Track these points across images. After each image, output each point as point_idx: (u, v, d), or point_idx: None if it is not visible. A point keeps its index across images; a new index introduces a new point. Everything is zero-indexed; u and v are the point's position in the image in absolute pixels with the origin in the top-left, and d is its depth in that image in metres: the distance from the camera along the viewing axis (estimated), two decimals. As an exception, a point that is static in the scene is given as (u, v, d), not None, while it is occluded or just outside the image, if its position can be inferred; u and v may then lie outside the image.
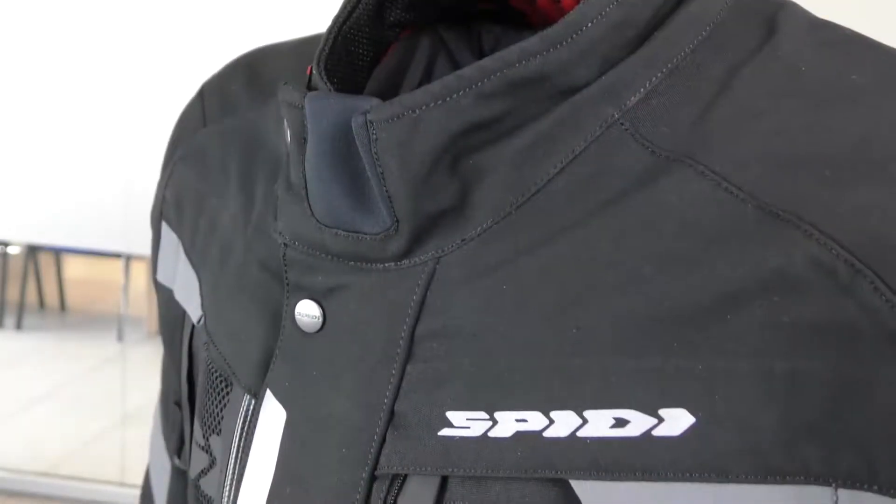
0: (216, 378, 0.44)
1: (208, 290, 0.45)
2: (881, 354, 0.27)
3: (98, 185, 2.32)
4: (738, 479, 0.29)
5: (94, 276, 4.50)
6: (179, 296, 0.50)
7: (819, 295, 0.28)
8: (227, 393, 0.43)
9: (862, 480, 0.27)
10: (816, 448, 0.28)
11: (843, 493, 0.28)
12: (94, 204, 2.35)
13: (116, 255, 3.52)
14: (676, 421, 0.29)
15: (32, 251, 4.09)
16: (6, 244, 4.06)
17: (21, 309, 4.00)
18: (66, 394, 3.34)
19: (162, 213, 0.52)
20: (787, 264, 0.28)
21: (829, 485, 0.28)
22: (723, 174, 0.31)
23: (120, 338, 3.79)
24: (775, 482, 0.28)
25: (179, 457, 0.54)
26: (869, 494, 0.27)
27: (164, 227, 0.52)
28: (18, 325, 3.98)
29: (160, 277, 0.53)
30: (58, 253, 4.23)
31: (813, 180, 0.30)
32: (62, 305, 4.29)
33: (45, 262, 4.28)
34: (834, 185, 0.29)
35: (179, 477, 0.55)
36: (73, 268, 4.53)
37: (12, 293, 4.01)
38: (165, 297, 0.52)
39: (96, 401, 3.20)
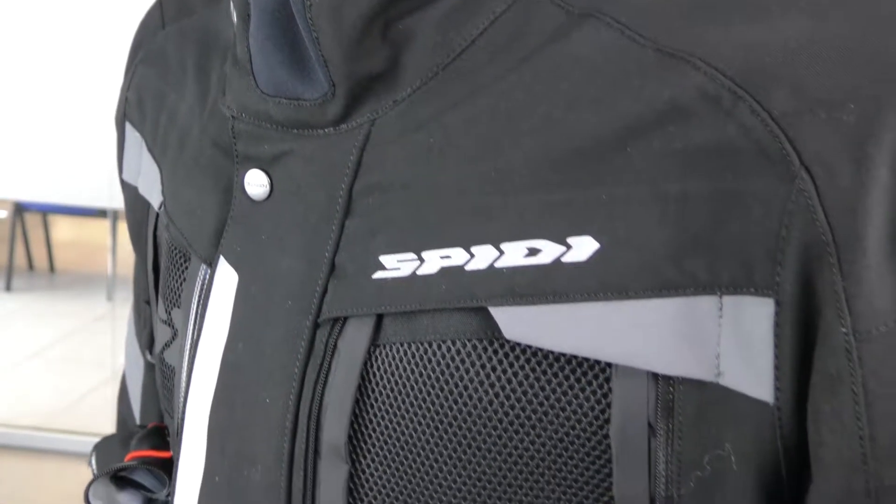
0: (176, 255, 0.47)
1: (168, 176, 0.48)
2: (756, 168, 0.30)
3: (84, 141, 2.33)
4: (636, 296, 0.32)
5: (82, 238, 4.52)
6: (143, 189, 0.52)
7: (706, 121, 0.31)
8: (186, 267, 0.46)
9: (741, 285, 0.30)
10: (703, 260, 0.31)
11: (726, 299, 0.31)
12: (79, 161, 2.36)
13: (103, 215, 3.55)
14: (583, 247, 0.32)
15: (20, 213, 4.10)
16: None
17: (10, 271, 4.02)
18: (57, 351, 3.37)
19: (125, 114, 0.54)
20: (678, 95, 0.31)
21: (715, 293, 0.31)
22: (626, 23, 0.34)
23: (109, 297, 3.82)
24: (668, 295, 0.31)
25: (151, 352, 0.57)
26: (747, 297, 0.30)
27: (128, 127, 0.54)
28: (8, 287, 4.00)
29: (125, 176, 0.55)
30: (45, 215, 4.23)
31: (704, 22, 0.32)
32: (51, 267, 4.31)
33: (33, 224, 4.29)
34: (722, 24, 0.32)
35: (151, 371, 0.58)
36: (61, 230, 4.54)
37: (1, 256, 4.03)
38: (131, 196, 0.55)
39: (87, 357, 3.23)
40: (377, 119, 0.38)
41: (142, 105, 0.52)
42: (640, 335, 0.32)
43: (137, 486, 0.49)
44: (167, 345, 0.48)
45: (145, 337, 0.57)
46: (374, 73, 0.37)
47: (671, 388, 0.32)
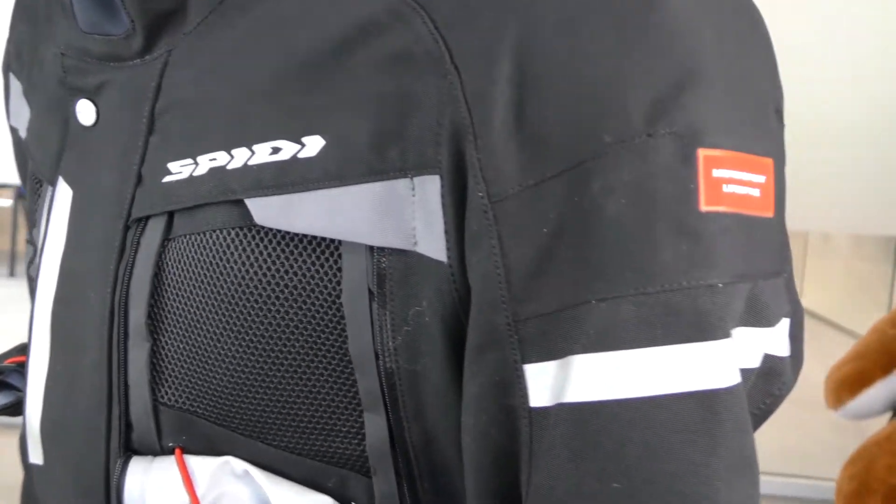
0: (34, 182, 0.54)
1: (32, 114, 0.55)
2: (425, 69, 0.36)
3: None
4: (352, 182, 0.38)
5: (84, 224, 4.61)
6: (23, 133, 0.59)
7: (393, 33, 0.37)
8: (40, 193, 0.53)
9: (422, 166, 0.37)
10: (397, 149, 0.37)
11: (416, 179, 0.37)
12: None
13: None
14: (313, 144, 0.39)
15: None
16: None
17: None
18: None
19: (9, 64, 0.61)
20: (374, 12, 0.38)
21: (407, 176, 0.37)
22: None
23: (109, 280, 3.91)
24: (374, 180, 0.38)
25: None
26: (427, 176, 0.37)
27: (11, 76, 0.61)
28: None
29: (11, 121, 0.62)
30: (46, 201, 4.33)
31: None
32: (54, 252, 4.41)
33: (36, 211, 4.39)
34: None
35: None
36: (63, 216, 4.64)
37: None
38: (16, 139, 0.62)
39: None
40: (173, 50, 0.44)
41: (20, 56, 0.59)
42: (357, 215, 0.38)
43: (11, 387, 0.56)
44: (31, 261, 0.55)
45: None
46: (167, 10, 0.43)
47: (383, 258, 0.38)
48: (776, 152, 0.36)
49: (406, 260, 0.38)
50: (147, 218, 0.44)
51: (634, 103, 0.33)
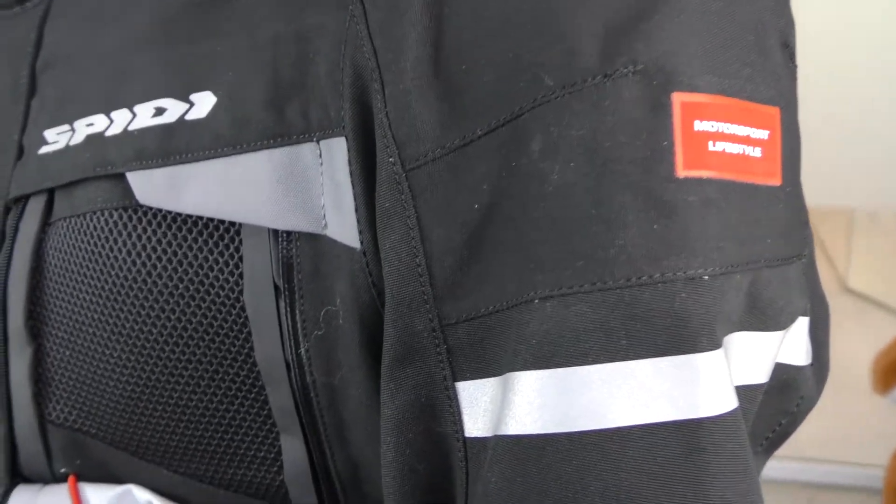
0: None
1: None
2: (324, 1, 0.28)
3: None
4: (248, 148, 0.30)
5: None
6: None
7: None
8: None
9: (326, 126, 0.29)
10: (298, 105, 0.29)
11: (322, 143, 0.29)
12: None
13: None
14: (203, 103, 0.31)
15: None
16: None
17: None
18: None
19: None
20: None
21: (312, 139, 0.29)
22: None
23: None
24: (274, 145, 0.30)
25: None
26: (333, 139, 0.29)
27: None
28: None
29: None
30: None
31: None
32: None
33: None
34: None
35: None
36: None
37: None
38: None
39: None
40: None
41: None
42: (255, 190, 0.30)
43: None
44: None
45: None
46: None
47: (290, 246, 0.30)
48: (784, 99, 0.27)
49: (316, 246, 0.30)
50: (27, 198, 0.36)
51: (584, 33, 0.25)
